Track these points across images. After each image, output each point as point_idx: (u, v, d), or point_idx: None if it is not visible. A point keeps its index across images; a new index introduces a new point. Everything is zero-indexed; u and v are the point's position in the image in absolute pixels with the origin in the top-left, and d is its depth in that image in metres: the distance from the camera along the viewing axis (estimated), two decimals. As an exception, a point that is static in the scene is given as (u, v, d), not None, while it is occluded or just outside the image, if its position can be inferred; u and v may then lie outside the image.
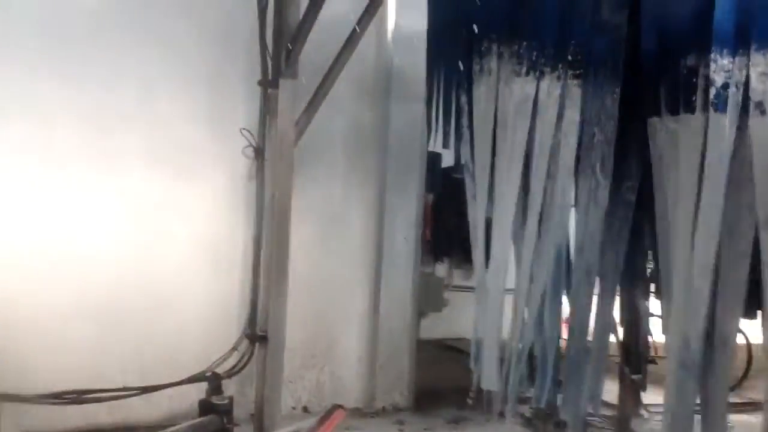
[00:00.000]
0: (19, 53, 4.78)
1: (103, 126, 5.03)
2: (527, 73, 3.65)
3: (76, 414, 4.86)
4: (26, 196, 4.88)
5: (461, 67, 4.03)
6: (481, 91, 3.88)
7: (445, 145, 4.28)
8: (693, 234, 3.10)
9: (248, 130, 5.29)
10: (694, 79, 3.11)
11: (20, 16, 4.80)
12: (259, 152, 5.28)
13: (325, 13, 4.73)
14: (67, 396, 4.81)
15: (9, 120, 4.77)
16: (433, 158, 5.97)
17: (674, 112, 3.21)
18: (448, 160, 4.28)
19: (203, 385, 5.17)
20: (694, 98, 3.11)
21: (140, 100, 5.13)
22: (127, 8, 5.05)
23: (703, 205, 3.04)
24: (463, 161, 4.04)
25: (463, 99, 4.05)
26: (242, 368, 5.34)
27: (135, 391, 5.04)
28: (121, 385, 5.01)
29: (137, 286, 5.16)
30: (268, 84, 5.09)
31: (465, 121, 4.04)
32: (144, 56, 5.11)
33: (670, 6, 3.25)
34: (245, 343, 5.34)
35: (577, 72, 3.52)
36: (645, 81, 3.37)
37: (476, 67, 3.88)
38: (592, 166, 3.58)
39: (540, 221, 3.65)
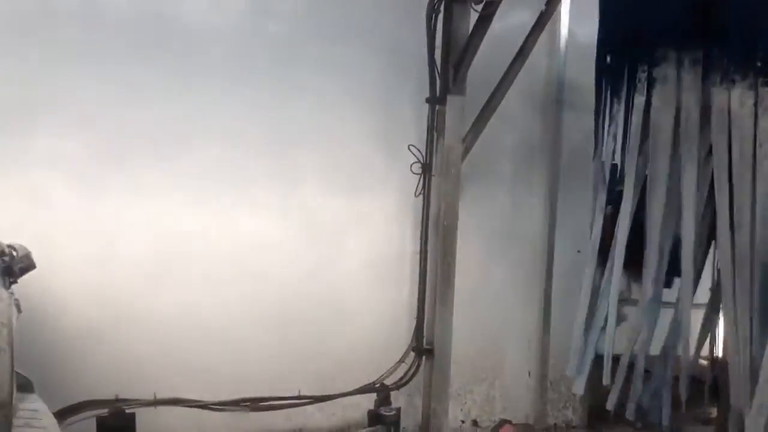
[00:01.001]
0: (211, 81, 5.05)
1: (280, 146, 5.24)
2: (720, 82, 3.46)
3: (256, 420, 5.08)
4: (214, 215, 5.12)
5: (632, 76, 3.88)
6: (654, 99, 3.72)
7: (614, 158, 4.13)
8: None
9: (416, 147, 5.34)
10: None
11: (212, 47, 5.10)
12: (426, 168, 5.33)
13: (493, 27, 4.71)
14: (245, 403, 5.03)
15: (192, 146, 5.04)
16: (612, 170, 5.77)
17: None
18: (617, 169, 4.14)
19: (374, 395, 5.29)
20: None
21: (314, 120, 5.30)
22: (303, 35, 5.24)
23: None
24: (628, 172, 3.89)
25: (634, 109, 3.89)
26: (409, 380, 5.41)
27: (309, 400, 5.21)
28: (296, 394, 5.18)
29: (312, 298, 5.35)
30: (436, 101, 5.13)
31: (637, 132, 3.88)
32: (318, 79, 5.27)
33: None
34: (413, 355, 5.40)
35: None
36: None
37: (644, 75, 3.72)
38: None
39: (735, 234, 3.43)
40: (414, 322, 5.41)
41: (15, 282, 3.02)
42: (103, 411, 4.55)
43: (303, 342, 5.34)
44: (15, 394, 3.02)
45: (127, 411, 4.58)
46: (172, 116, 4.94)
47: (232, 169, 5.14)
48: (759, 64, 3.31)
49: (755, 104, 3.32)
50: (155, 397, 4.75)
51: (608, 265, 4.27)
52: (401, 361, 5.43)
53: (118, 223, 4.87)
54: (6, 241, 3.22)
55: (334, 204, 5.37)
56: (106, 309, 4.86)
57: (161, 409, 4.74)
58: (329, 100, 5.31)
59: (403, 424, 5.26)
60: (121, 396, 4.66)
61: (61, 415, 4.41)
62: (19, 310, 3.04)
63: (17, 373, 3.34)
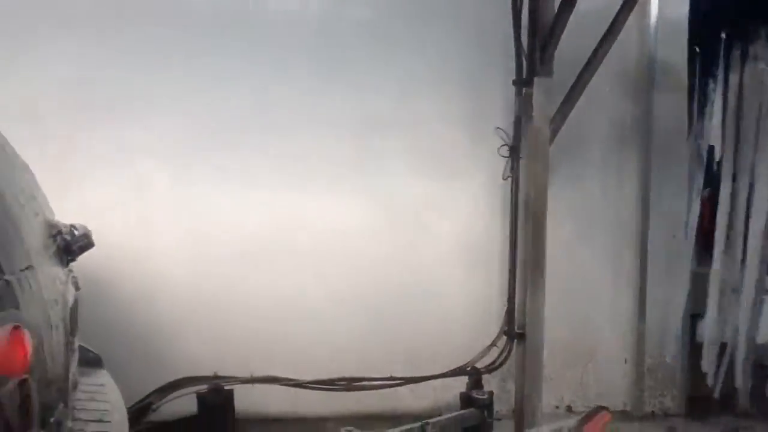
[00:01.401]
0: (297, 68, 5.21)
1: (368, 130, 5.35)
2: None
3: (349, 400, 5.21)
4: (305, 200, 5.30)
5: (726, 54, 3.77)
6: (745, 77, 3.61)
7: (712, 139, 4.02)
8: None
9: (503, 130, 5.32)
10: None
11: (297, 33, 5.24)
12: (514, 151, 5.30)
13: (580, 7, 4.64)
14: (338, 382, 5.16)
15: (282, 132, 5.22)
16: (710, 151, 5.58)
17: None
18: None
19: (465, 379, 5.32)
20: None
21: (400, 102, 5.37)
22: (388, 18, 5.32)
23: None
24: (725, 154, 3.78)
25: (728, 88, 3.78)
26: (501, 364, 5.42)
27: (401, 381, 5.29)
28: (388, 375, 5.28)
29: (403, 281, 5.43)
30: (523, 83, 5.09)
31: (732, 112, 3.77)
32: (404, 62, 5.34)
33: None
34: (504, 339, 5.40)
35: None
36: None
37: (737, 53, 3.61)
38: None
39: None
40: (505, 306, 5.40)
41: (73, 260, 3.16)
42: (203, 387, 4.76)
43: (395, 324, 5.44)
44: (76, 369, 3.17)
45: (225, 388, 4.77)
46: (261, 103, 5.15)
47: (320, 154, 5.29)
48: None
49: None
50: (252, 375, 4.95)
51: (716, 250, 4.14)
52: (493, 344, 5.44)
53: (214, 207, 5.14)
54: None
55: (423, 187, 5.44)
56: (205, 290, 5.13)
57: (257, 386, 4.92)
58: (415, 84, 5.37)
59: (495, 407, 5.26)
60: (220, 374, 4.87)
61: (163, 391, 4.68)
62: (77, 288, 3.21)
63: (86, 349, 3.59)
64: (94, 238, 3.23)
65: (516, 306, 5.30)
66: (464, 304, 5.53)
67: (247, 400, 4.85)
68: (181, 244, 5.10)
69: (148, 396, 4.64)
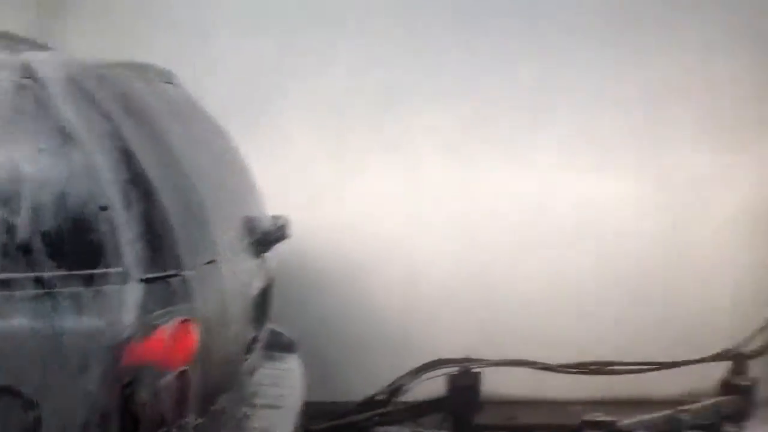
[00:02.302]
0: (568, 43, 5.20)
1: (647, 101, 5.22)
2: None
3: (598, 385, 5.21)
4: (576, 179, 5.29)
5: None
6: None
7: None
8: None
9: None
10: None
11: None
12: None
13: None
14: (589, 366, 5.20)
15: (556, 112, 5.26)
16: None
17: None
18: None
19: (726, 364, 5.10)
20: None
21: (685, 69, 5.18)
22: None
23: None
24: None
25: None
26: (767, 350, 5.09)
27: (656, 366, 5.19)
28: (641, 359, 5.19)
29: (668, 260, 5.31)
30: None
31: None
32: (690, 22, 5.13)
33: None
34: (775, 324, 5.06)
35: None
36: None
37: None
38: None
39: None
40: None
41: (267, 251, 3.29)
42: (454, 369, 5.05)
43: (654, 305, 5.34)
44: (259, 355, 3.36)
45: (473, 370, 5.06)
46: (533, 81, 5.20)
47: (595, 130, 5.25)
48: None
49: None
50: (503, 358, 5.17)
51: None
52: (764, 328, 5.13)
53: (481, 189, 5.29)
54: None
55: (701, 158, 5.24)
56: (464, 274, 5.35)
57: (505, 369, 5.13)
58: (701, 45, 5.15)
59: (761, 395, 4.99)
60: (471, 356, 5.16)
61: (417, 371, 5.08)
62: (269, 278, 3.39)
63: (280, 333, 3.80)
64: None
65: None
66: (736, 284, 5.30)
67: (495, 382, 5.03)
68: (448, 228, 5.31)
69: (402, 377, 5.03)
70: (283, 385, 3.44)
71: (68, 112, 2.32)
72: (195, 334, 2.31)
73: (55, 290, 2.18)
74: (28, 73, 2.37)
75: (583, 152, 5.27)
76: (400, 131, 5.23)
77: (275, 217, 3.50)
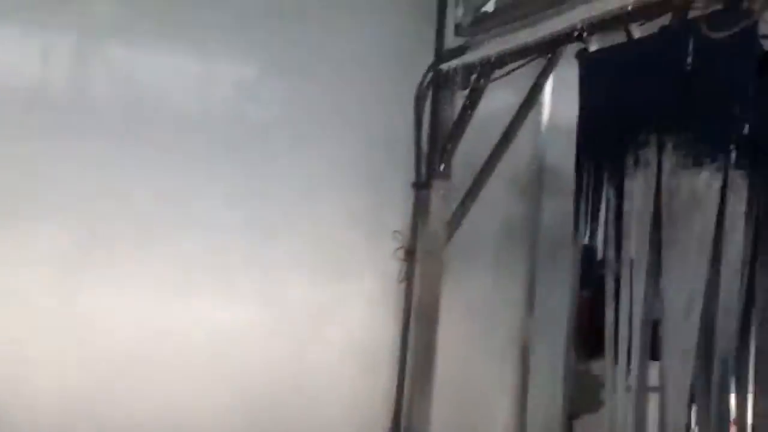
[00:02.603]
0: (192, 169, 5.10)
1: (261, 233, 5.22)
2: (692, 165, 3.43)
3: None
4: (192, 306, 5.08)
5: (613, 160, 3.88)
6: (636, 184, 3.70)
7: (593, 241, 4.09)
8: None
9: (400, 233, 5.30)
10: None
11: (195, 135, 5.15)
12: (410, 254, 5.27)
13: (479, 111, 4.79)
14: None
15: (171, 236, 5.05)
16: (587, 252, 5.74)
17: None
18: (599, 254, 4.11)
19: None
20: None
21: (297, 206, 5.29)
22: (288, 120, 5.28)
23: None
24: (608, 258, 3.83)
25: (613, 193, 3.87)
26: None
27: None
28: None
29: (285, 387, 5.22)
30: (422, 186, 5.13)
31: (613, 216, 3.86)
32: (302, 164, 5.30)
33: None
34: (390, 443, 5.21)
35: (741, 162, 3.25)
36: None
37: (631, 159, 3.72)
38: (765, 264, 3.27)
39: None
40: (392, 410, 5.24)
41: None
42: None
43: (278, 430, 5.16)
44: None
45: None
46: (151, 205, 4.99)
47: (211, 259, 5.12)
48: (731, 147, 3.29)
49: (723, 187, 3.28)
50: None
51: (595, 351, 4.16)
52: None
53: (91, 317, 4.85)
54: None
55: (315, 291, 5.31)
56: (78, 407, 4.80)
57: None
58: (313, 186, 5.33)
59: None
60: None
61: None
62: None
63: None
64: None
65: (403, 410, 5.14)
66: (352, 409, 5.33)
67: None
68: (57, 360, 4.78)
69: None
70: None
71: None
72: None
73: None
74: None
75: (201, 281, 5.12)
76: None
77: None
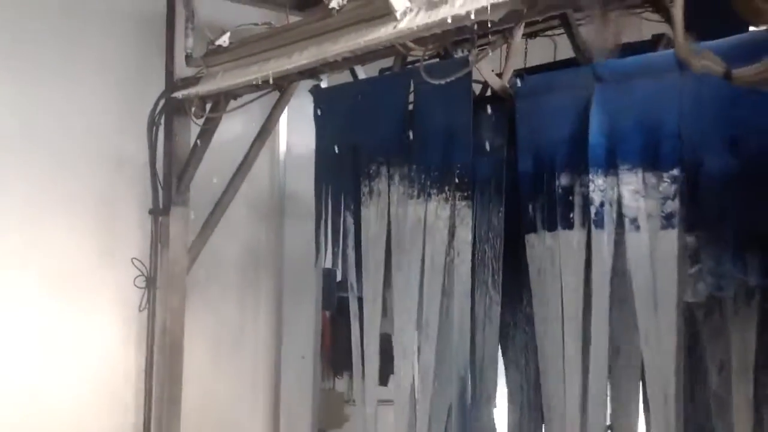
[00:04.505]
0: None
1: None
2: (418, 196, 3.73)
3: None
4: None
5: (349, 189, 4.12)
6: (371, 212, 3.96)
7: (334, 265, 4.32)
8: (583, 351, 3.16)
9: (139, 260, 5.20)
10: (570, 197, 3.26)
11: None
12: (151, 281, 5.19)
13: (217, 137, 4.82)
14: None
15: None
16: (328, 274, 6.00)
17: (551, 228, 3.34)
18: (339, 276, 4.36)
19: None
20: (571, 215, 3.25)
21: (25, 236, 5.01)
22: (18, 136, 4.98)
23: (593, 320, 3.11)
24: (348, 280, 4.09)
25: (351, 220, 4.11)
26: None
27: None
28: None
29: (30, 426, 4.92)
30: (160, 212, 5.06)
31: (352, 241, 4.10)
32: (33, 185, 5.02)
33: (542, 131, 3.41)
34: (140, 480, 5.10)
35: (465, 193, 3.57)
36: (522, 200, 3.45)
37: (365, 189, 3.97)
38: (485, 282, 3.65)
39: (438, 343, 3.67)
40: (140, 443, 5.14)
41: None
42: None
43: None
44: None
45: None
46: None
47: None
48: (456, 181, 3.62)
49: (451, 216, 3.58)
50: None
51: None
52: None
53: None
54: None
55: (47, 324, 5.05)
56: None
57: None
58: (45, 213, 5.06)
59: None
60: None
61: None
62: None
63: None
64: None
65: (152, 442, 5.06)
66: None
67: None
68: None
69: None
70: None
71: None
72: None
73: None
74: None
75: None
76: None
77: None
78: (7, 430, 4.86)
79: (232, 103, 4.57)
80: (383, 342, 3.99)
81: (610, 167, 3.06)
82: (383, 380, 4.06)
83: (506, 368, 3.70)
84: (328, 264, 4.36)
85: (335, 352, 5.91)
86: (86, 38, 5.19)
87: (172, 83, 4.84)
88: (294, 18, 4.34)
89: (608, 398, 3.14)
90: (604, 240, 3.07)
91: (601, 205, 3.08)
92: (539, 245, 3.37)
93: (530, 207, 3.39)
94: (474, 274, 3.57)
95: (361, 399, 4.09)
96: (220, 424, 5.59)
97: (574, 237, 3.21)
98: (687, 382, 2.91)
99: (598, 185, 3.09)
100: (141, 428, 5.19)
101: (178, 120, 4.88)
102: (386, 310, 3.95)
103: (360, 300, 4.07)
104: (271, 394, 5.85)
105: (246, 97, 4.50)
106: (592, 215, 3.11)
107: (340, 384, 5.64)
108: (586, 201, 3.16)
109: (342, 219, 4.18)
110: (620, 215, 3.02)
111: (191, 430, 4.92)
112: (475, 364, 3.62)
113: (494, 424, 3.63)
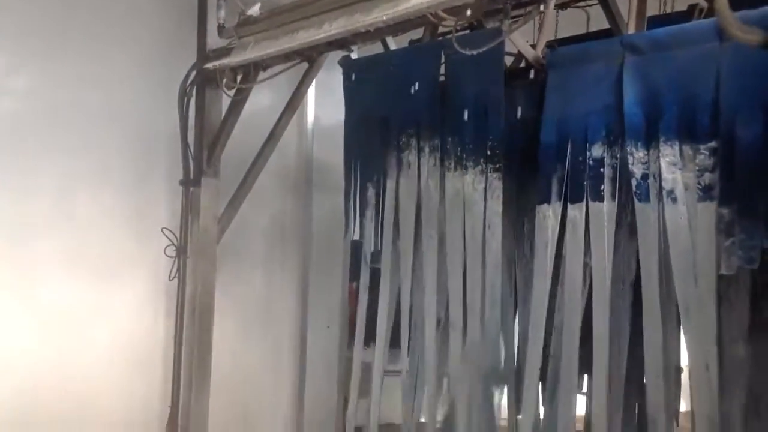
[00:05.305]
0: None
1: (19, 236, 4.96)
2: (455, 168, 3.72)
3: None
4: None
5: (379, 161, 4.11)
6: (401, 184, 3.96)
7: (362, 236, 4.33)
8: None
9: (170, 230, 5.24)
10: (601, 169, 3.25)
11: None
12: (181, 251, 5.24)
13: (246, 110, 4.84)
14: None
15: None
16: (356, 246, 6.02)
17: (576, 199, 3.30)
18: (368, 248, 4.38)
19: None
20: (602, 187, 3.24)
21: (59, 206, 5.09)
22: (48, 110, 5.04)
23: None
24: (377, 252, 4.11)
25: (380, 191, 4.11)
26: (165, 471, 5.17)
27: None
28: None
29: (56, 393, 5.01)
30: (191, 183, 5.10)
31: (381, 213, 4.11)
32: (65, 158, 5.08)
33: (573, 103, 3.39)
34: (168, 442, 5.18)
35: (496, 165, 3.55)
36: (542, 169, 3.42)
37: (394, 161, 3.97)
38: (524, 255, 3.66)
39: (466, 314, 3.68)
40: (168, 411, 5.20)
41: None
42: None
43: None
44: None
45: None
46: None
47: None
48: (488, 153, 3.61)
49: (485, 189, 3.57)
50: None
51: (358, 338, 4.42)
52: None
53: None
54: None
55: (80, 292, 5.14)
56: None
57: None
58: (76, 185, 5.14)
59: None
60: None
61: None
62: None
63: None
64: None
65: (180, 409, 5.11)
66: (127, 410, 5.25)
67: None
68: None
69: None
70: None
71: None
72: None
73: None
74: None
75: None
76: None
77: None
78: (43, 393, 4.96)
79: (263, 74, 4.58)
80: (413, 313, 4.01)
81: (650, 140, 3.05)
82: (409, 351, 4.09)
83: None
84: (357, 236, 4.37)
85: (364, 323, 5.95)
86: (117, 11, 5.23)
87: (204, 54, 4.85)
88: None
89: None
90: (650, 214, 3.06)
91: (644, 177, 3.07)
92: (552, 217, 3.36)
93: (549, 178, 3.38)
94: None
95: (381, 369, 4.12)
96: (247, 391, 5.68)
97: (604, 209, 3.21)
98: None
99: (638, 158, 3.08)
100: (170, 395, 5.24)
101: (209, 92, 4.90)
102: (416, 281, 3.97)
103: (389, 271, 4.09)
104: (297, 363, 5.93)
105: (276, 68, 4.51)
106: (634, 188, 3.10)
107: (368, 354, 5.69)
108: (618, 173, 3.15)
109: (371, 191, 4.19)
110: (660, 187, 3.02)
111: (218, 398, 4.97)
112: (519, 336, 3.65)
113: (539, 395, 3.64)
